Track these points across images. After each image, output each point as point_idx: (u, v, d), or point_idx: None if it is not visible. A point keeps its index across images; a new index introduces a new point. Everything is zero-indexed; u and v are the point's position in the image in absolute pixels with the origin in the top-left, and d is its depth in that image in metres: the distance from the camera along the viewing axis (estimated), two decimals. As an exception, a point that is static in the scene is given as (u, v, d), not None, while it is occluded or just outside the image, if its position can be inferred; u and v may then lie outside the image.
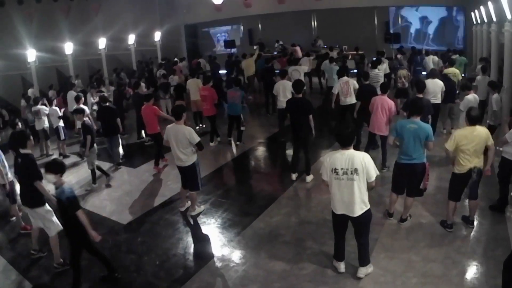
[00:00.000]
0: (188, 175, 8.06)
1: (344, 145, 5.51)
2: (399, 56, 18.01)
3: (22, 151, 6.92)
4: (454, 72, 12.82)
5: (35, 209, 6.82)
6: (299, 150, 9.55)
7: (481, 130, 6.56)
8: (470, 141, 6.43)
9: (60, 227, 6.72)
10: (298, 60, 15.95)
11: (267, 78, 16.16)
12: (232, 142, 12.86)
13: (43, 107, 13.35)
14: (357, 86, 12.23)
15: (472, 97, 9.67)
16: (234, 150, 12.52)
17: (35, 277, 6.72)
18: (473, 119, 6.53)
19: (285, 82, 12.24)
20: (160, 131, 10.90)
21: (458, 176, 6.73)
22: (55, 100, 13.72)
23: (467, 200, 7.24)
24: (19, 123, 11.22)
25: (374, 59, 15.10)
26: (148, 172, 11.08)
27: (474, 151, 6.47)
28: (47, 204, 6.88)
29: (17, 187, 7.53)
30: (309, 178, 9.48)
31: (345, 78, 12.40)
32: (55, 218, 6.85)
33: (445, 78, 11.67)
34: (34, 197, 6.79)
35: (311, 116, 9.11)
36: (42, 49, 19.75)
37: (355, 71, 18.39)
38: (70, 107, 14.39)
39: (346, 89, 12.18)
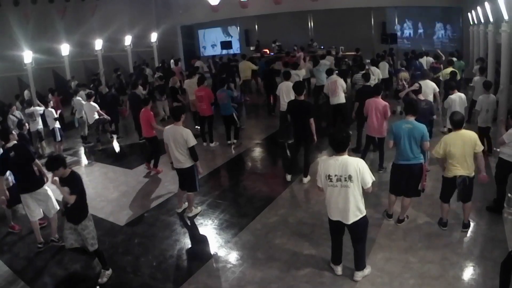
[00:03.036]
0: (186, 176, 8.04)
1: (338, 151, 5.40)
2: (388, 58, 18.07)
3: (10, 144, 7.27)
4: (446, 72, 12.90)
5: (38, 191, 7.24)
6: (299, 152, 9.53)
7: (467, 134, 6.51)
8: (455, 145, 6.42)
9: (58, 207, 7.40)
10: (297, 64, 15.96)
11: (269, 79, 16.18)
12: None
13: (37, 108, 13.35)
14: (345, 85, 12.44)
15: (456, 97, 9.61)
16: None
17: (32, 279, 6.69)
18: (456, 123, 6.53)
19: (288, 84, 12.03)
20: (156, 134, 10.89)
21: (446, 180, 6.77)
22: (51, 102, 13.65)
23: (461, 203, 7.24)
24: (26, 124, 11.20)
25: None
26: (145, 173, 11.06)
27: (461, 156, 6.44)
28: (46, 185, 7.34)
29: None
30: (306, 179, 9.46)
31: (333, 77, 12.59)
32: (54, 198, 7.42)
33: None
34: (34, 180, 7.23)
35: (311, 120, 9.00)
36: (39, 51, 19.68)
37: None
38: (81, 106, 14.37)
39: (334, 88, 12.30)
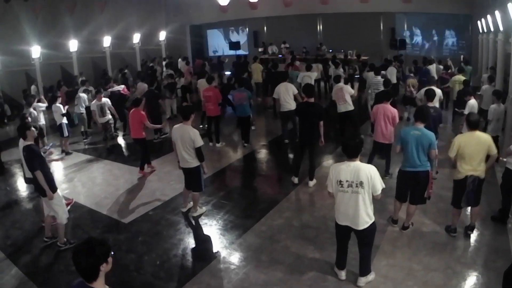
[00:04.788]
0: (192, 176, 8.06)
1: (350, 156, 5.41)
2: (395, 63, 18.02)
3: (25, 142, 7.13)
4: (460, 80, 12.85)
5: (45, 197, 7.11)
6: (304, 155, 9.50)
7: (482, 136, 6.59)
8: (469, 145, 6.46)
9: (67, 214, 7.33)
10: (311, 66, 15.92)
11: (273, 82, 16.16)
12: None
13: (39, 104, 13.28)
14: (352, 92, 12.23)
15: (474, 102, 9.63)
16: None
17: (33, 272, 6.72)
18: (472, 123, 6.59)
19: (286, 85, 12.23)
20: (145, 136, 10.90)
21: (456, 182, 6.79)
22: (59, 99, 13.57)
23: (469, 208, 7.22)
24: (29, 118, 11.21)
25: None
26: (150, 171, 11.07)
27: (472, 157, 6.48)
28: (58, 191, 7.22)
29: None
30: (312, 183, 9.45)
31: (339, 84, 12.43)
32: (64, 205, 7.35)
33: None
34: (40, 186, 7.04)
35: (321, 123, 9.02)
36: (47, 46, 19.77)
37: (358, 76, 18.46)
38: (83, 102, 14.43)
39: (341, 96, 12.16)
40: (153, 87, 14.16)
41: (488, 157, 6.61)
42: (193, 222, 8.20)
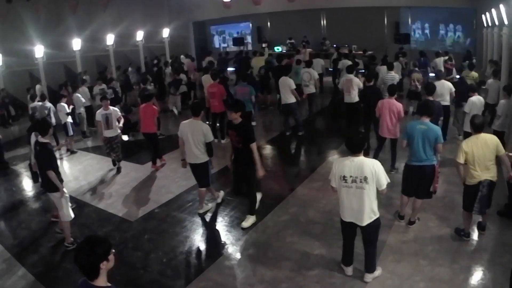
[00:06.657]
0: (200, 172, 8.03)
1: (354, 152, 5.38)
2: (401, 59, 17.92)
3: (41, 139, 7.09)
4: (473, 75, 12.88)
5: (53, 193, 7.14)
6: (242, 185, 7.94)
7: (488, 137, 6.43)
8: (477, 148, 6.29)
9: (72, 216, 7.28)
10: (311, 62, 15.77)
11: (279, 76, 16.13)
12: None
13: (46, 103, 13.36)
14: (361, 85, 12.28)
15: (476, 99, 9.48)
16: None
17: (41, 272, 6.76)
18: (477, 126, 6.41)
19: (286, 79, 12.57)
20: (156, 131, 11.07)
21: (469, 188, 6.56)
22: (64, 98, 13.52)
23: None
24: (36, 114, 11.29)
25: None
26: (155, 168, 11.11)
27: (482, 160, 6.29)
28: (65, 190, 7.19)
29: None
30: (249, 222, 7.71)
31: (350, 75, 12.58)
32: (69, 205, 7.31)
33: (462, 81, 11.62)
34: (50, 183, 7.05)
35: (253, 146, 7.28)
36: (50, 45, 19.77)
37: (363, 71, 18.36)
38: (79, 102, 14.42)
39: (348, 86, 12.33)
40: (145, 85, 14.17)
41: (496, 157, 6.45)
42: (199, 219, 8.21)
